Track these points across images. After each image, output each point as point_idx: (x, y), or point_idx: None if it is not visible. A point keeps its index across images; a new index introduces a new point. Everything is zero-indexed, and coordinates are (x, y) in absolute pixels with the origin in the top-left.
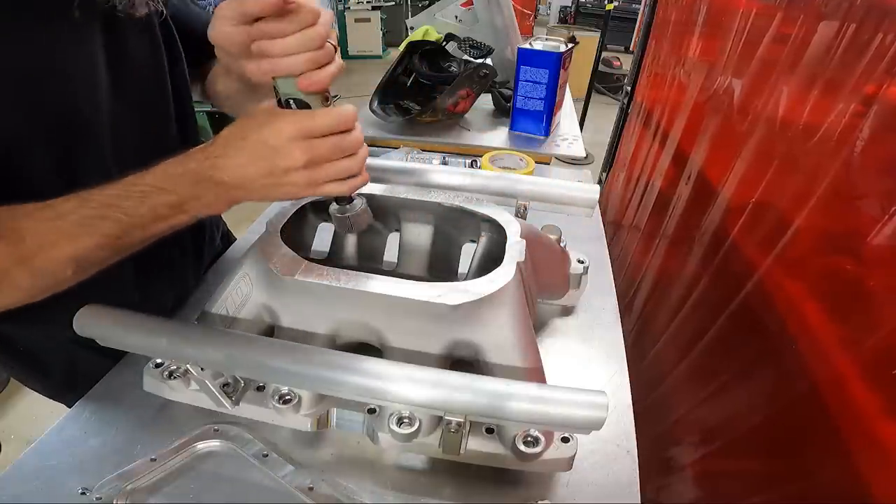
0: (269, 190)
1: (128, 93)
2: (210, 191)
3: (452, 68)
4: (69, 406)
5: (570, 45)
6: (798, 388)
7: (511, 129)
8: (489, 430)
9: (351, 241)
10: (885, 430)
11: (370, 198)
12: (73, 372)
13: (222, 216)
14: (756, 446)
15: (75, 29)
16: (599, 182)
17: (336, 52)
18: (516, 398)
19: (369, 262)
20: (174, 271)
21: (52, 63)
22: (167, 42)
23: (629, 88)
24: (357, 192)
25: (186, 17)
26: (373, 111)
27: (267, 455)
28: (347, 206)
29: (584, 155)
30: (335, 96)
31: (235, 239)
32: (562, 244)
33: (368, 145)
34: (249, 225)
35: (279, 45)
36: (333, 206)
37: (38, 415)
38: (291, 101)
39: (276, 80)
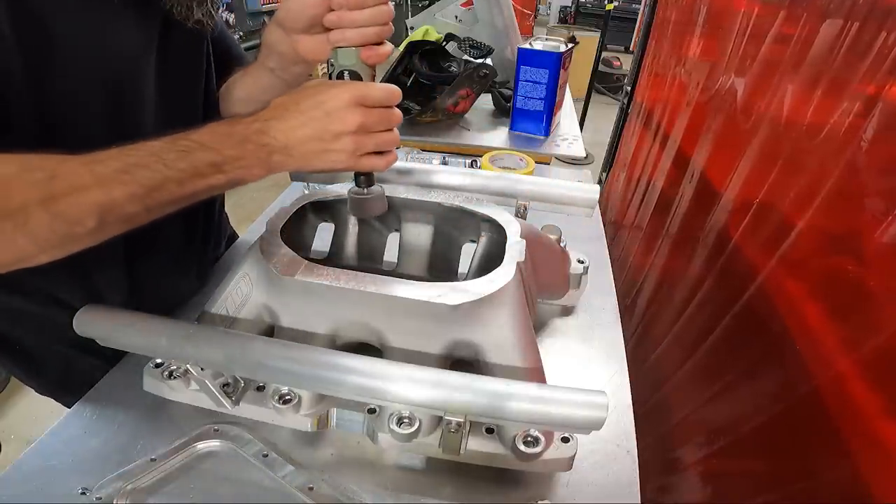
0: (313, 157)
1: (169, 78)
2: (253, 153)
3: (452, 68)
4: (66, 405)
5: (570, 45)
6: (801, 388)
7: (511, 129)
8: (489, 430)
9: (351, 241)
10: (886, 431)
11: None
12: (69, 373)
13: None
14: (759, 447)
15: (138, 16)
16: (599, 182)
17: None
18: (516, 398)
19: (369, 262)
20: (178, 269)
21: (112, 42)
22: (207, 56)
23: (629, 88)
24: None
25: (221, 33)
26: None
27: (267, 455)
28: (367, 189)
29: (584, 155)
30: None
31: (238, 236)
32: (562, 244)
33: None
34: (249, 225)
35: (357, 16)
36: (353, 188)
37: (38, 415)
38: (346, 73)
39: (336, 51)
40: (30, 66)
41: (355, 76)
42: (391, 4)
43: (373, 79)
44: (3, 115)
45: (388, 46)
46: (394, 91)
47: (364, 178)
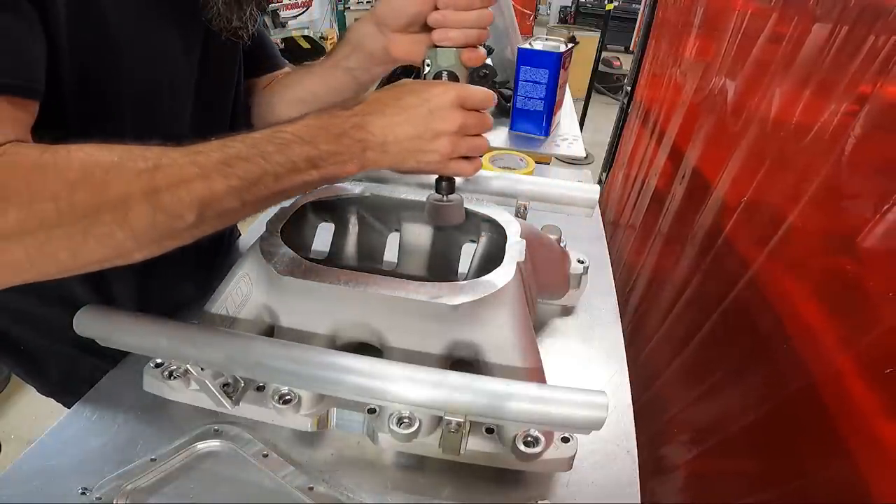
0: (408, 155)
1: (203, 86)
2: (348, 148)
3: None
4: (66, 405)
5: (570, 45)
6: (792, 387)
7: (511, 129)
8: (489, 430)
9: (351, 241)
10: (880, 429)
11: (370, 197)
12: (71, 373)
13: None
14: (750, 446)
15: (183, 23)
16: (599, 182)
17: None
18: (516, 398)
19: (369, 262)
20: (189, 272)
21: (159, 49)
22: (240, 63)
23: (629, 88)
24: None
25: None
26: None
27: (267, 455)
28: (448, 197)
29: (584, 155)
30: None
31: (240, 234)
32: (562, 244)
33: None
34: (249, 225)
35: (462, 17)
36: (433, 195)
37: (38, 415)
38: (444, 74)
39: (436, 51)
40: (79, 58)
41: (453, 77)
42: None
43: (468, 81)
44: (58, 105)
45: (484, 50)
46: (490, 95)
47: (446, 185)
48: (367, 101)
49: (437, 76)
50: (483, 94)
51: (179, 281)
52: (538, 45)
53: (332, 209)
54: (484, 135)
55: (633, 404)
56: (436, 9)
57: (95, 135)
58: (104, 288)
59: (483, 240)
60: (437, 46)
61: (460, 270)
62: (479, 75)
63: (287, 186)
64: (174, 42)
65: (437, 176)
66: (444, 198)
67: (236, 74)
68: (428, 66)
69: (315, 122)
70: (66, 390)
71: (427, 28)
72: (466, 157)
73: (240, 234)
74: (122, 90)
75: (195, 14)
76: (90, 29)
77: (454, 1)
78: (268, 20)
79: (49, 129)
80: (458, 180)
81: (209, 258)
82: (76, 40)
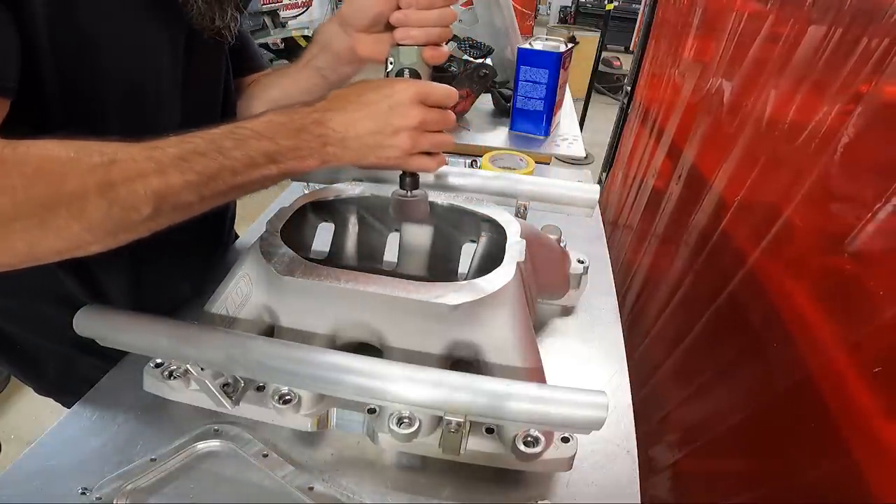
0: (368, 150)
1: (190, 87)
2: (308, 143)
3: (452, 68)
4: (65, 405)
5: (570, 45)
6: (784, 384)
7: (511, 129)
8: (489, 430)
9: (351, 241)
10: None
11: (370, 198)
12: (68, 373)
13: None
14: (742, 444)
15: (166, 23)
16: (599, 182)
17: None
18: (516, 398)
19: (369, 262)
20: (182, 269)
21: (139, 46)
22: (226, 62)
23: (629, 88)
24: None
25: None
26: None
27: (267, 455)
28: (412, 192)
29: (584, 155)
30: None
31: (238, 236)
32: (562, 244)
33: None
34: (249, 225)
35: (424, 16)
36: (397, 191)
37: (38, 415)
38: (406, 71)
39: (399, 50)
40: (61, 59)
41: (415, 75)
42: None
43: (430, 79)
44: (38, 103)
45: (448, 48)
46: (452, 92)
47: (410, 180)
48: (329, 97)
49: (400, 74)
50: (444, 91)
51: (175, 280)
52: (538, 45)
53: (332, 209)
54: (446, 132)
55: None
56: (398, 8)
57: (82, 134)
58: (98, 286)
59: (483, 240)
60: (399, 45)
61: (460, 270)
62: (480, 75)
63: (246, 180)
64: (157, 41)
65: (401, 172)
66: (408, 193)
67: (223, 74)
68: (391, 63)
69: (275, 119)
70: (64, 389)
71: (390, 27)
72: (429, 153)
73: (237, 237)
74: (106, 89)
75: (177, 14)
76: (70, 28)
77: (416, 0)
78: (268, 20)
79: (35, 130)
80: (457, 180)
81: (206, 258)
82: (56, 40)
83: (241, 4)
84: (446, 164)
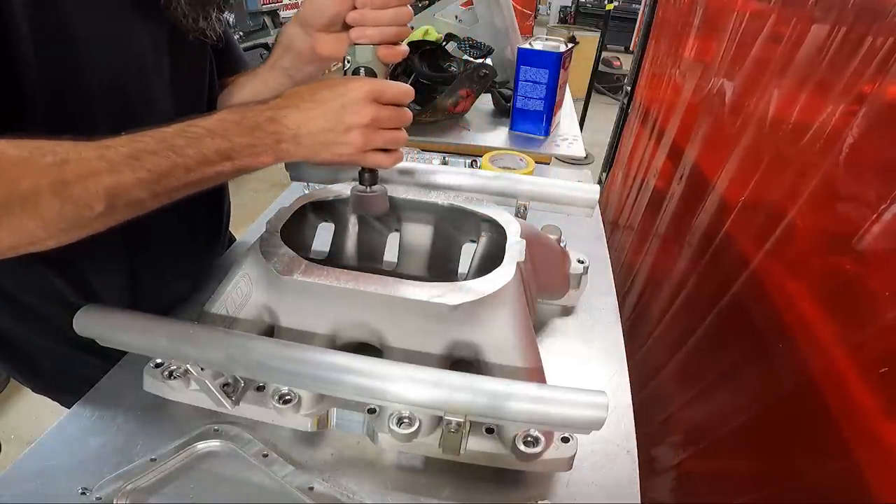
0: (322, 147)
1: (176, 86)
2: (262, 140)
3: (452, 68)
4: (63, 404)
5: (570, 45)
6: (787, 386)
7: (511, 129)
8: (489, 430)
9: (351, 241)
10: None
11: None
12: (66, 372)
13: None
14: (745, 445)
15: (149, 23)
16: (599, 182)
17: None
18: (516, 398)
19: (369, 262)
20: (177, 266)
21: (123, 45)
22: (210, 63)
23: (629, 88)
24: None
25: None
26: None
27: (267, 455)
28: (371, 187)
29: (584, 155)
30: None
31: (235, 239)
32: (562, 244)
33: None
34: (249, 225)
35: (378, 15)
36: (357, 186)
37: (38, 415)
38: (362, 70)
39: (354, 48)
40: (44, 63)
41: (371, 73)
42: (410, 7)
43: (387, 77)
44: (17, 104)
45: (405, 46)
46: (408, 90)
47: (368, 176)
48: (285, 95)
49: (356, 72)
50: (398, 89)
51: (170, 279)
52: (538, 45)
53: (332, 209)
54: (403, 128)
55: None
56: (354, 8)
57: (69, 133)
58: (92, 287)
59: (483, 240)
60: (355, 44)
61: (460, 270)
62: (480, 75)
63: (201, 177)
64: (141, 41)
65: (360, 167)
66: (368, 188)
67: (208, 73)
68: (348, 62)
69: (229, 117)
70: (61, 388)
71: (348, 27)
72: (386, 150)
73: (234, 240)
74: (91, 88)
75: (160, 14)
76: (52, 29)
77: (370, 0)
78: (268, 20)
79: (18, 129)
80: (457, 180)
81: (202, 255)
82: (38, 40)
83: (223, 5)
84: (402, 160)
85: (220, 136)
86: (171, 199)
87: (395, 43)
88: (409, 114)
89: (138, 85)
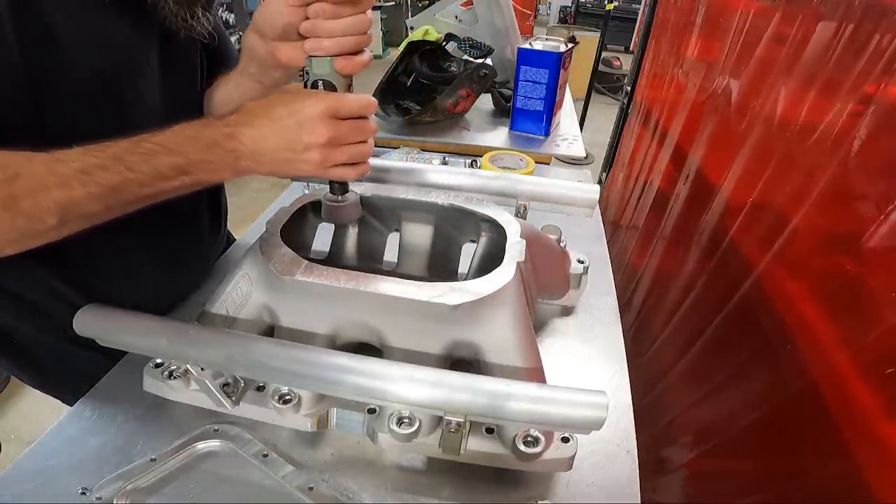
0: (281, 165)
1: (169, 87)
2: (220, 157)
3: (452, 68)
4: (62, 401)
5: (570, 45)
6: (794, 387)
7: (511, 129)
8: (489, 430)
9: (351, 241)
10: (881, 429)
11: (370, 197)
12: (66, 368)
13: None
14: (751, 446)
15: (140, 24)
16: (599, 182)
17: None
18: (516, 398)
19: (369, 262)
20: (176, 264)
21: (110, 47)
22: (202, 63)
23: (629, 88)
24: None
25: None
26: None
27: (267, 455)
28: (342, 196)
29: (584, 155)
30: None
31: (235, 239)
32: (562, 244)
33: None
34: (249, 225)
35: (332, 26)
36: (328, 195)
37: (38, 415)
38: (320, 83)
39: (311, 60)
40: (29, 64)
41: (329, 86)
42: (370, 14)
43: (349, 88)
44: (9, 108)
45: (366, 56)
46: (368, 103)
47: (338, 186)
48: (241, 110)
49: (314, 85)
50: (356, 103)
51: (171, 283)
52: (538, 45)
53: None
54: (370, 139)
55: (637, 404)
56: (307, 18)
57: (58, 137)
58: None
59: (483, 240)
60: (310, 56)
61: (460, 270)
62: (480, 75)
63: (157, 191)
64: (129, 43)
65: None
66: (339, 197)
67: (199, 72)
68: (306, 74)
69: (185, 133)
70: (62, 385)
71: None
72: (350, 163)
73: (234, 240)
74: (79, 93)
75: (149, 14)
76: (37, 36)
77: (321, 10)
78: None
79: (16, 140)
80: (457, 180)
81: (203, 258)
82: (25, 48)
83: (210, 2)
84: (369, 171)
85: (175, 153)
86: (128, 210)
87: (355, 53)
88: (371, 126)
89: (127, 85)
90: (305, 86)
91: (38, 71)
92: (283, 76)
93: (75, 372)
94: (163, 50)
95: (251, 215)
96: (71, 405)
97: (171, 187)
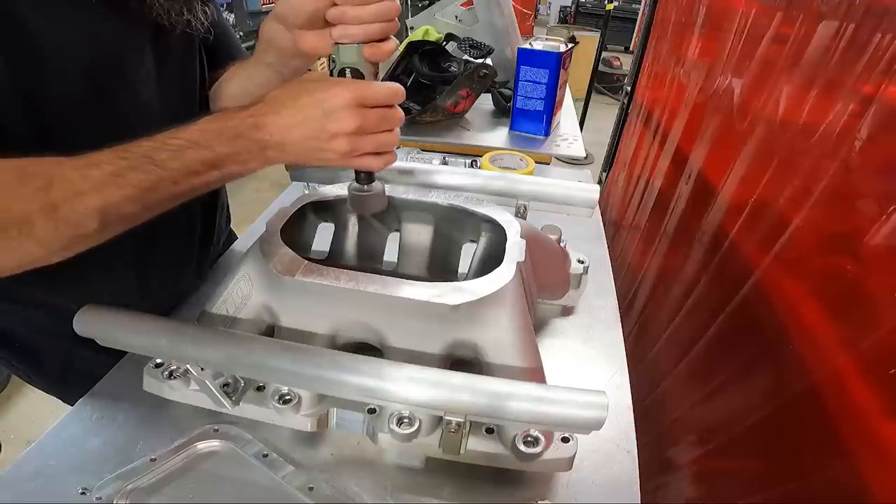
0: (308, 154)
1: (168, 86)
2: (247, 148)
3: (452, 68)
4: (64, 401)
5: (570, 45)
6: (795, 387)
7: (511, 129)
8: (489, 430)
9: (351, 241)
10: (882, 430)
11: None
12: (69, 368)
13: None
14: (754, 446)
15: (128, 22)
16: (599, 182)
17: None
18: (516, 398)
19: (369, 262)
20: (179, 257)
21: (99, 48)
22: (201, 58)
23: (629, 88)
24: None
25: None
26: None
27: (267, 455)
28: (367, 186)
29: (584, 155)
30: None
31: (236, 238)
32: (562, 244)
33: None
34: (249, 225)
35: (360, 12)
36: (353, 185)
37: (38, 415)
38: (348, 71)
39: (338, 48)
40: (13, 71)
41: (357, 74)
42: (398, 0)
43: (375, 76)
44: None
45: (393, 43)
46: (396, 91)
47: (364, 176)
48: (266, 99)
49: (342, 73)
50: (385, 91)
51: (173, 284)
52: (538, 45)
53: (332, 209)
54: (397, 129)
55: (639, 404)
56: (335, 4)
57: (56, 141)
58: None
59: (483, 240)
60: (338, 43)
61: (460, 270)
62: (480, 75)
63: (188, 187)
64: (119, 44)
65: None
66: (365, 187)
67: (198, 66)
68: (333, 62)
69: (210, 126)
70: (65, 383)
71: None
72: (378, 152)
73: (236, 237)
74: (70, 99)
75: (140, 13)
76: (18, 43)
77: None
78: None
79: (24, 148)
80: (457, 180)
81: (200, 255)
82: (9, 58)
83: None
84: (395, 161)
85: (203, 147)
86: (165, 208)
87: (382, 40)
88: (399, 114)
89: (121, 88)
90: (332, 74)
91: (24, 78)
92: (303, 65)
93: (78, 373)
94: (157, 47)
95: (251, 215)
96: (72, 404)
97: (203, 182)
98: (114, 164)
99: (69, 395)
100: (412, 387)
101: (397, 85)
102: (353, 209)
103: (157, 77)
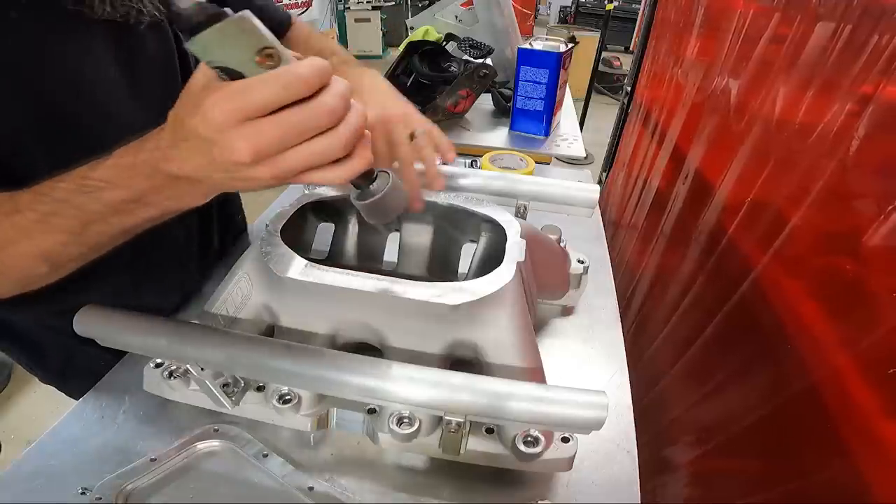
0: (228, 185)
1: (144, 91)
2: (168, 185)
3: (452, 68)
4: (66, 392)
5: (570, 45)
6: (794, 387)
7: (511, 129)
8: (489, 430)
9: (351, 241)
10: (882, 429)
11: None
12: (70, 363)
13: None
14: (753, 446)
15: (74, 27)
16: (599, 182)
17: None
18: (516, 398)
19: (369, 262)
20: (178, 261)
21: (45, 59)
22: (183, 53)
23: (629, 88)
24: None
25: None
26: None
27: (267, 455)
28: (366, 190)
29: (584, 155)
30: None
31: (246, 227)
32: (562, 244)
33: None
34: (249, 225)
35: None
36: (353, 193)
37: (38, 415)
38: (219, 71)
39: (194, 38)
40: None
41: (232, 74)
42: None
43: (269, 59)
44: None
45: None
46: (292, 74)
47: (358, 180)
48: (168, 121)
49: (222, 74)
50: (271, 87)
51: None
52: (538, 45)
53: (332, 209)
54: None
55: (637, 404)
56: None
57: (22, 170)
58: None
59: (483, 240)
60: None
61: (460, 270)
62: (480, 75)
63: (127, 225)
64: (75, 57)
65: None
66: (365, 190)
67: (176, 57)
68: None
69: (122, 162)
70: (67, 378)
71: None
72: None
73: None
74: (31, 123)
75: (89, 20)
76: None
77: None
78: None
79: (25, 175)
80: (456, 180)
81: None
82: None
83: None
84: (364, 165)
85: (118, 187)
86: (115, 244)
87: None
88: (324, 106)
89: (86, 103)
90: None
91: None
92: None
93: (80, 368)
94: (118, 50)
95: (251, 215)
96: (75, 398)
97: (140, 219)
98: (35, 211)
99: (69, 388)
100: (412, 387)
101: (308, 62)
102: (369, 220)
103: (127, 86)
